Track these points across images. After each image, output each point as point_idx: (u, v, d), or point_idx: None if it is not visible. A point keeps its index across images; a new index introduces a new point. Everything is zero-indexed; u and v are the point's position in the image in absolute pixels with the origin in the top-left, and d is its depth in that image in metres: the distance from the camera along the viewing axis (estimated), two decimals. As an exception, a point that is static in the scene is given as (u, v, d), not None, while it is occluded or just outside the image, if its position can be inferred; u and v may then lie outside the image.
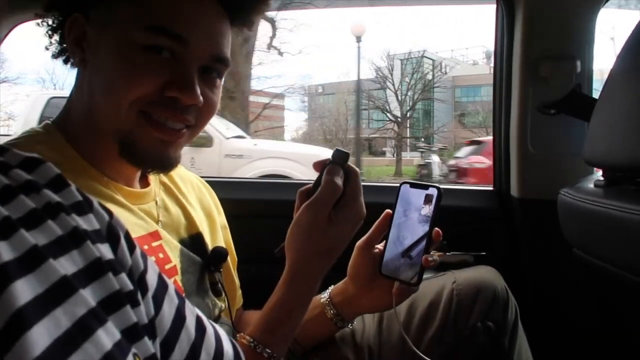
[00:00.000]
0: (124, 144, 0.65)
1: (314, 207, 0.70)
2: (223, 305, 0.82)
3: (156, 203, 0.76)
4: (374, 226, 0.83)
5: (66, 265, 0.32)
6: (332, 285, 0.89)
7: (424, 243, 0.74)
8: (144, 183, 0.77)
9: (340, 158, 0.73)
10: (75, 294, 0.31)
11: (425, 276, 1.15)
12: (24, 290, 0.28)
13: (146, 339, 0.36)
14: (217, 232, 0.88)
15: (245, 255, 0.96)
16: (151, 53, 0.63)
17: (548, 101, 1.17)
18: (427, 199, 0.75)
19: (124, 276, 0.36)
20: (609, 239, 0.79)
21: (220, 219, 0.92)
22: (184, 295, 0.72)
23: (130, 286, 0.36)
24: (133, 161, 0.67)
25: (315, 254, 0.71)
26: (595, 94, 1.16)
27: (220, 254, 0.81)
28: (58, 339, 0.29)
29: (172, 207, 0.79)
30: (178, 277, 0.72)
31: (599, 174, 0.91)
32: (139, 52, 0.62)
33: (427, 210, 0.74)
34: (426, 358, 0.79)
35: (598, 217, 0.80)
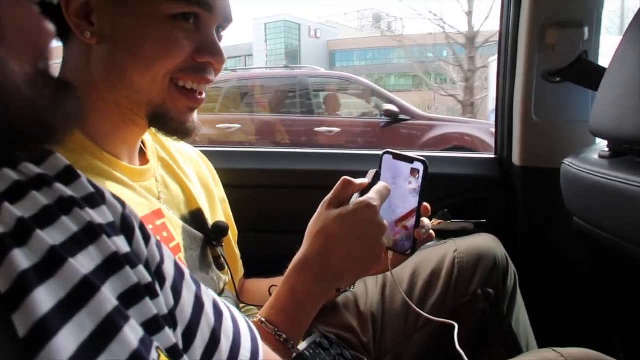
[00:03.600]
0: (155, 115, 0.66)
1: (378, 201, 0.66)
2: (227, 278, 0.83)
3: (156, 180, 0.74)
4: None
5: (84, 262, 0.31)
6: None
7: (412, 217, 0.74)
8: (143, 160, 0.75)
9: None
10: (98, 294, 0.30)
11: (427, 244, 1.18)
12: (46, 297, 0.28)
13: (167, 329, 0.35)
14: (217, 206, 0.88)
15: (244, 225, 0.97)
16: (178, 21, 0.63)
17: (553, 68, 1.16)
18: (413, 172, 0.73)
19: (141, 268, 0.35)
20: (612, 211, 0.80)
21: (219, 191, 0.91)
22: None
23: (148, 278, 0.36)
24: (163, 131, 0.69)
25: (355, 255, 0.65)
26: (602, 62, 1.15)
27: (221, 228, 0.81)
28: (84, 343, 0.28)
29: (171, 184, 0.78)
30: (182, 255, 0.71)
31: (602, 145, 0.91)
32: (168, 22, 0.63)
33: (415, 183, 0.73)
34: (431, 317, 0.80)
35: (601, 188, 0.80)
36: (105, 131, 0.67)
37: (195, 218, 0.79)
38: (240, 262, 0.95)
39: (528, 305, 1.01)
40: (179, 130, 0.69)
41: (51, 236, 0.31)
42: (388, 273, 0.95)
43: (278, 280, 0.89)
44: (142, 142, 0.76)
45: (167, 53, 0.63)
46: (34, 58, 0.28)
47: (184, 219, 0.76)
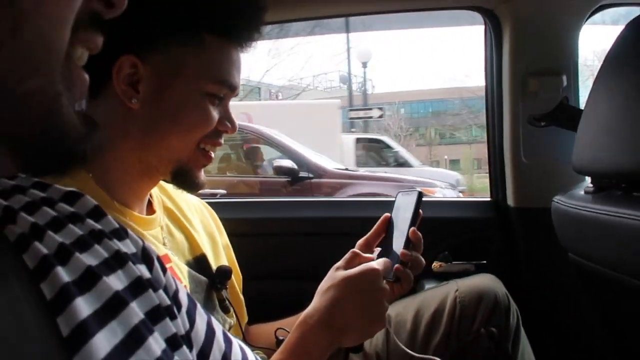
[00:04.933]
0: (179, 171, 0.77)
1: (381, 267, 0.74)
2: (232, 322, 0.87)
3: (161, 228, 0.81)
4: (373, 228, 0.88)
5: (115, 282, 0.37)
6: None
7: (403, 241, 0.79)
8: (150, 210, 0.83)
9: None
10: (127, 307, 0.35)
11: (428, 285, 1.20)
12: (84, 306, 0.33)
13: (185, 347, 0.40)
14: (220, 252, 0.93)
15: (248, 273, 1.00)
16: (212, 97, 0.75)
17: (538, 114, 1.23)
18: (412, 202, 0.81)
19: (161, 292, 0.41)
20: (600, 242, 0.84)
21: (222, 239, 0.97)
22: None
23: (167, 301, 0.41)
24: (181, 185, 0.80)
25: (359, 312, 0.72)
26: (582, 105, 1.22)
27: (224, 272, 0.87)
28: (116, 347, 0.33)
29: (176, 232, 0.84)
30: None
31: (589, 181, 0.96)
32: (206, 99, 0.75)
33: (410, 212, 0.81)
34: (434, 358, 0.82)
35: (589, 222, 0.84)
36: (121, 183, 0.75)
37: (199, 263, 0.84)
38: (244, 309, 0.98)
39: (532, 344, 1.01)
40: (194, 184, 0.79)
41: (87, 259, 0.36)
42: (392, 314, 0.98)
43: (283, 323, 0.93)
44: (150, 194, 0.83)
45: (204, 123, 0.75)
46: (77, 102, 0.34)
47: (188, 264, 0.82)
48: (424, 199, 0.82)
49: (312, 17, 1.33)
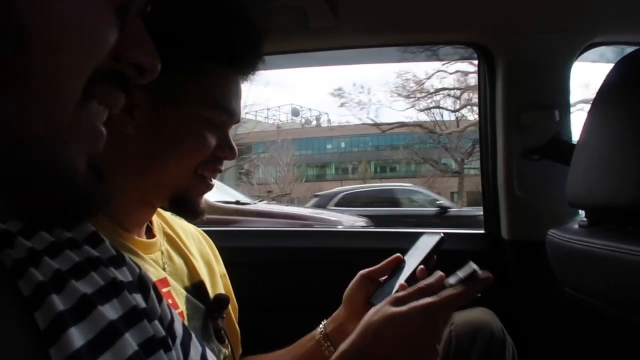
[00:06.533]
0: (177, 198, 0.76)
1: (435, 313, 0.62)
2: (227, 352, 0.85)
3: (161, 253, 0.80)
4: (381, 264, 0.86)
5: (110, 311, 0.36)
6: (326, 319, 0.90)
7: (407, 275, 0.79)
8: (150, 234, 0.82)
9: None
10: (121, 338, 0.35)
11: None
12: (78, 336, 0.32)
13: None
14: (217, 281, 0.92)
15: (242, 302, 0.99)
16: (209, 124, 0.75)
17: (531, 147, 1.24)
18: (430, 244, 0.82)
19: (156, 323, 0.40)
20: (595, 276, 0.84)
21: (219, 267, 0.96)
22: None
23: (162, 332, 0.40)
24: (181, 212, 0.80)
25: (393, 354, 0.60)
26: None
27: (222, 301, 0.85)
28: None
29: (176, 257, 0.84)
30: (185, 324, 0.74)
31: (583, 215, 0.96)
32: (204, 125, 0.75)
33: (425, 252, 0.81)
34: None
35: (583, 255, 0.84)
36: (121, 210, 0.73)
37: (197, 290, 0.83)
38: (239, 340, 0.96)
39: (529, 379, 1.00)
40: (194, 212, 0.78)
41: (83, 287, 0.35)
42: None
43: (277, 355, 0.90)
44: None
45: (200, 149, 0.74)
46: (89, 154, 0.34)
47: (186, 290, 0.81)
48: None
49: (310, 49, 1.35)
